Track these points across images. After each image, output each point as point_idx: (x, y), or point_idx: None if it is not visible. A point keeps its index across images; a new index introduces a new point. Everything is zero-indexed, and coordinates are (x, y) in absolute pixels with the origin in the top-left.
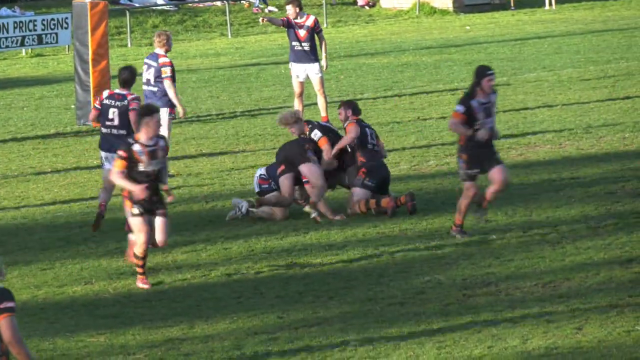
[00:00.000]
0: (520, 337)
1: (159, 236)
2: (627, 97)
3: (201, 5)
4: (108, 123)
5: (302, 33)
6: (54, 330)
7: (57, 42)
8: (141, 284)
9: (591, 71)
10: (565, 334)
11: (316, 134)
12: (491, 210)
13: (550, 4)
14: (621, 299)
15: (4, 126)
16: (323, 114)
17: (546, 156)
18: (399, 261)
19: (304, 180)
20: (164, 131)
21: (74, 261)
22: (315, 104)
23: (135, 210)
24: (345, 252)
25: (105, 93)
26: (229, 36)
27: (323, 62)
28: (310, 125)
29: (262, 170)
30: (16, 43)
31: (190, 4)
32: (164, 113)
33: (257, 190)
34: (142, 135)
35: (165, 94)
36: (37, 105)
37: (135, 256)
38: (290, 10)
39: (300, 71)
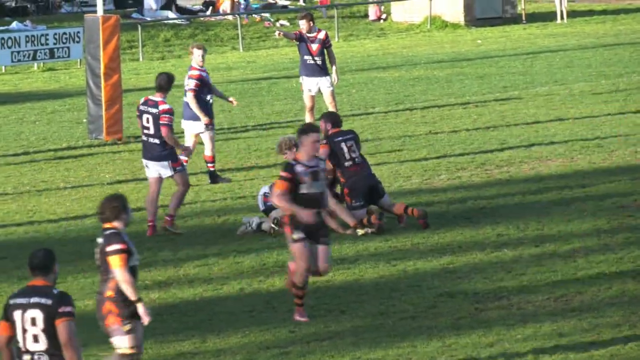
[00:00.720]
0: (533, 351)
1: (321, 264)
2: (639, 111)
3: (213, 19)
4: (145, 131)
5: (314, 47)
6: None
7: (69, 56)
8: (299, 317)
9: (603, 85)
10: (577, 348)
11: None
12: (503, 224)
13: (562, 18)
14: (634, 313)
15: (16, 140)
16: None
17: (558, 170)
18: (410, 275)
19: None
20: (206, 143)
21: (85, 275)
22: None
23: (297, 236)
24: (357, 266)
25: (142, 99)
26: (241, 50)
27: (334, 76)
28: None
29: (265, 189)
30: (28, 57)
31: (202, 18)
32: (199, 126)
33: (262, 208)
34: (303, 155)
35: (204, 106)
36: (49, 119)
37: (295, 286)
38: (304, 24)
39: (312, 85)
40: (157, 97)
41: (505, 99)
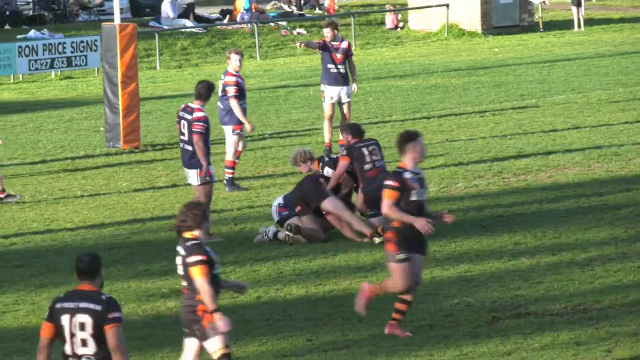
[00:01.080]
0: None
1: (421, 273)
2: None
3: (230, 27)
4: (181, 136)
5: (338, 55)
6: None
7: (86, 64)
8: (396, 331)
9: (620, 93)
10: (594, 357)
11: (328, 172)
12: (520, 232)
13: (579, 26)
14: None
15: (34, 148)
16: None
17: (575, 178)
18: (427, 284)
19: (323, 213)
20: (228, 148)
21: (104, 283)
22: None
23: (402, 256)
24: (374, 274)
25: (182, 105)
26: (258, 58)
27: (353, 86)
28: (321, 163)
29: (279, 199)
30: (46, 65)
31: (219, 27)
32: (227, 130)
33: (277, 218)
34: (409, 162)
35: (230, 111)
36: (66, 128)
37: (402, 301)
38: (328, 32)
39: (334, 93)
40: (195, 105)
41: (522, 107)
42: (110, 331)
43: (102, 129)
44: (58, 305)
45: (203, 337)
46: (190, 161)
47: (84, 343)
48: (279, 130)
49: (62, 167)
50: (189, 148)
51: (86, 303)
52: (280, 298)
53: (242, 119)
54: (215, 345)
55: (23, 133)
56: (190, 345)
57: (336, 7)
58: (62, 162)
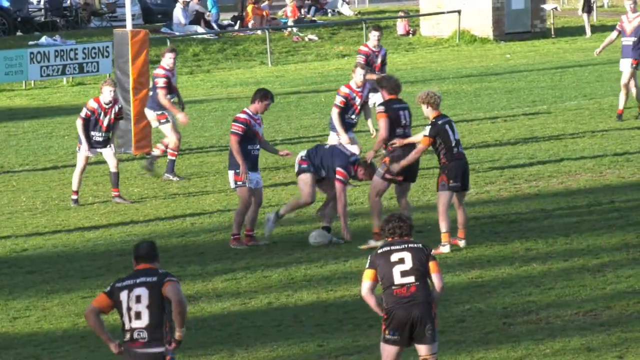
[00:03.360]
0: None
1: None
2: None
3: (242, 34)
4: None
5: (377, 62)
6: (95, 358)
7: (98, 70)
8: None
9: (632, 99)
10: None
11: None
12: (532, 238)
13: (592, 32)
14: None
15: (45, 154)
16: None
17: (587, 184)
18: None
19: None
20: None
21: None
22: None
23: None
24: None
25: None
26: (269, 64)
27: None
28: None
29: (303, 153)
30: (57, 72)
31: (230, 33)
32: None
33: (296, 170)
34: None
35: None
36: (78, 134)
37: None
38: (377, 36)
39: (376, 98)
40: (247, 108)
41: (534, 114)
42: (169, 286)
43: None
44: (118, 285)
45: (430, 340)
46: (228, 164)
47: (137, 316)
48: (290, 136)
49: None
50: (228, 150)
51: (143, 277)
52: (291, 304)
53: (340, 130)
54: (436, 348)
55: (35, 139)
56: None
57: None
58: (74, 168)
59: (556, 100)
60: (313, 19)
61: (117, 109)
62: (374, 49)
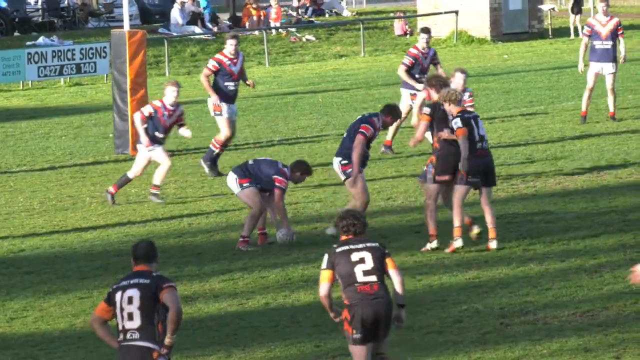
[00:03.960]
0: None
1: None
2: None
3: (239, 34)
4: None
5: (425, 64)
6: (92, 359)
7: (95, 71)
8: None
9: (629, 100)
10: None
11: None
12: (529, 239)
13: (576, 34)
14: None
15: (43, 155)
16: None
17: (584, 185)
18: (436, 290)
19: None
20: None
21: None
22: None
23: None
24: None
25: None
26: (267, 65)
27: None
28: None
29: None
30: (55, 72)
31: (228, 33)
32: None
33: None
34: None
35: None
36: (75, 134)
37: None
38: (424, 39)
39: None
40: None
41: (531, 114)
42: (167, 293)
43: (111, 135)
44: (114, 287)
45: None
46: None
47: (130, 317)
48: (287, 136)
49: (71, 174)
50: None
51: (136, 279)
52: (289, 304)
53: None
54: None
55: (32, 139)
56: None
57: (347, 14)
58: (71, 168)
59: (553, 101)
60: (310, 19)
61: (179, 112)
62: (423, 51)
